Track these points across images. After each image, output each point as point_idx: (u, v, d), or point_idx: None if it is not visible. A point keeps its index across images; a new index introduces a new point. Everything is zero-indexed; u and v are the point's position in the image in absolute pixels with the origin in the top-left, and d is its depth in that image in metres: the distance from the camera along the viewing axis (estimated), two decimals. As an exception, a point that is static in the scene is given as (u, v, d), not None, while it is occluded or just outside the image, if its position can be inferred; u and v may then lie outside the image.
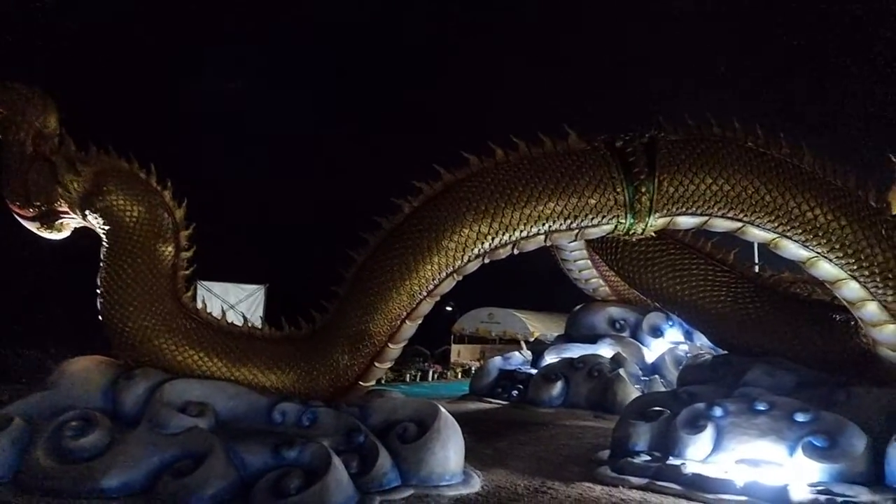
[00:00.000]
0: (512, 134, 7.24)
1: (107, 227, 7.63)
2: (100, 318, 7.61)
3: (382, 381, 17.41)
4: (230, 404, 7.16)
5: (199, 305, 7.96)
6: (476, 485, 7.25)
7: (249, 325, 7.96)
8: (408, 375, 21.27)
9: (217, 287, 20.99)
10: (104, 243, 7.68)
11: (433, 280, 7.21)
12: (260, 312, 20.91)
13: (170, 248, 7.79)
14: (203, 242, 8.21)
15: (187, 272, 7.95)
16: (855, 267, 6.92)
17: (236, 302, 21.01)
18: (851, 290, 7.11)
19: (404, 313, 7.37)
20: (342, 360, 7.39)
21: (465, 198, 7.07)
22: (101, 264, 7.65)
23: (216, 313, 7.97)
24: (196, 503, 5.93)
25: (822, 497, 6.39)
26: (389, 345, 7.54)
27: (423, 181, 7.36)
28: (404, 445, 7.09)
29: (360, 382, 7.66)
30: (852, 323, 7.94)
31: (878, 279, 6.90)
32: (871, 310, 7.13)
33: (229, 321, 7.93)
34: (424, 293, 7.32)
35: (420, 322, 7.65)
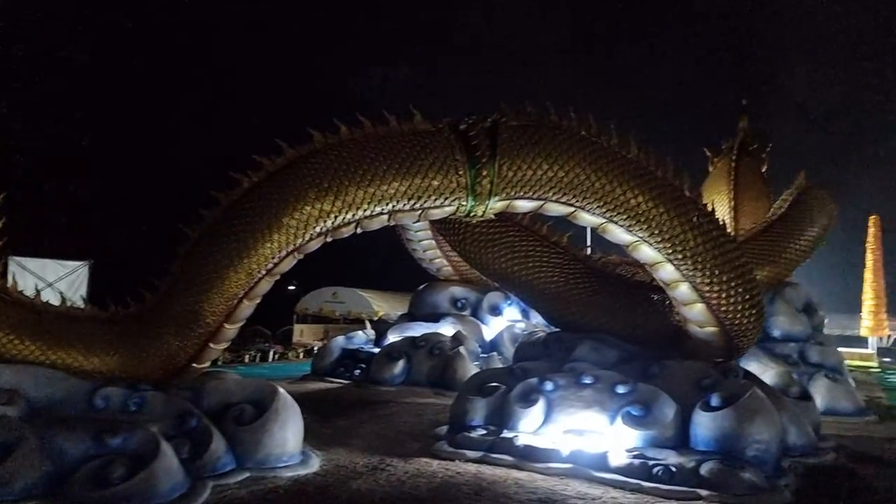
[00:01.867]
0: (358, 112, 7.17)
1: None
2: None
3: (219, 363, 16.79)
4: (45, 391, 6.58)
5: (10, 283, 7.23)
6: (315, 464, 7.21)
7: (69, 304, 7.35)
8: (247, 356, 20.60)
9: (33, 263, 19.10)
10: None
11: (273, 258, 6.99)
12: (82, 291, 19.30)
13: (-27, 220, 7.00)
14: (17, 214, 7.47)
15: (-5, 246, 7.18)
16: (670, 251, 7.54)
17: (55, 280, 19.26)
18: (667, 272, 7.75)
19: (242, 292, 7.10)
20: (173, 341, 7.00)
21: (308, 174, 6.89)
22: None
23: (30, 291, 7.28)
24: (3, 498, 5.42)
25: (637, 461, 6.97)
26: (226, 325, 7.24)
27: (264, 155, 7.10)
28: (240, 428, 6.90)
29: (194, 364, 7.32)
30: (667, 302, 8.67)
31: (689, 262, 7.57)
32: (683, 290, 7.82)
33: (45, 300, 7.27)
34: (263, 272, 7.07)
35: (259, 301, 7.42)
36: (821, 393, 11.98)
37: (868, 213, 32.20)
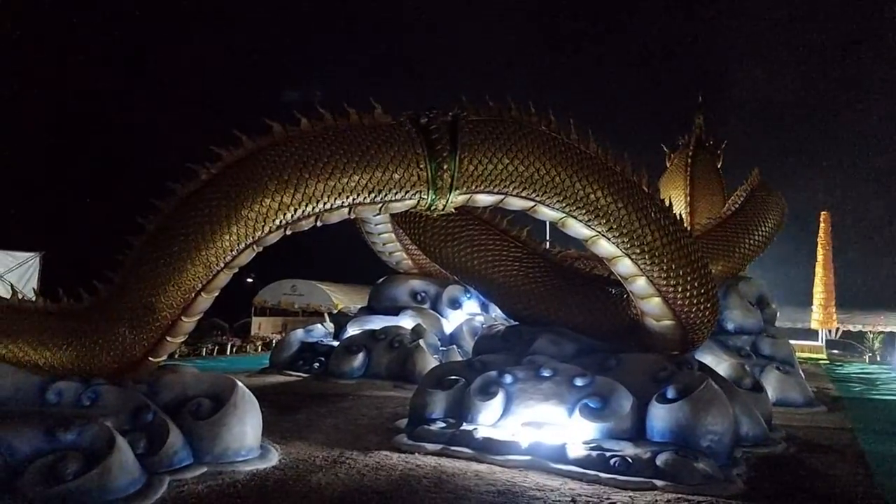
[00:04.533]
0: (318, 104, 7.10)
1: None
2: None
3: (176, 356, 16.52)
4: (-6, 385, 6.41)
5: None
6: (274, 458, 7.15)
7: (19, 296, 7.15)
8: (204, 350, 20.30)
9: (-19, 255, 18.60)
10: None
11: (231, 251, 6.89)
12: (34, 283, 18.80)
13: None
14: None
15: (-60, 237, 6.94)
16: (628, 245, 7.66)
17: (5, 271, 18.74)
18: (625, 266, 7.86)
19: (199, 285, 6.98)
20: (128, 334, 6.85)
21: (268, 166, 6.79)
22: None
23: (-23, 284, 7.07)
24: (-52, 497, 5.27)
25: (594, 453, 7.07)
26: (183, 318, 7.12)
27: (222, 147, 6.98)
28: (198, 422, 6.81)
29: (150, 358, 7.19)
30: (625, 296, 8.80)
31: (646, 257, 7.69)
32: (641, 284, 7.95)
33: (-7, 293, 7.07)
34: (222, 264, 6.97)
35: (217, 294, 7.31)
36: (772, 384, 12.32)
37: (819, 209, 33.13)
